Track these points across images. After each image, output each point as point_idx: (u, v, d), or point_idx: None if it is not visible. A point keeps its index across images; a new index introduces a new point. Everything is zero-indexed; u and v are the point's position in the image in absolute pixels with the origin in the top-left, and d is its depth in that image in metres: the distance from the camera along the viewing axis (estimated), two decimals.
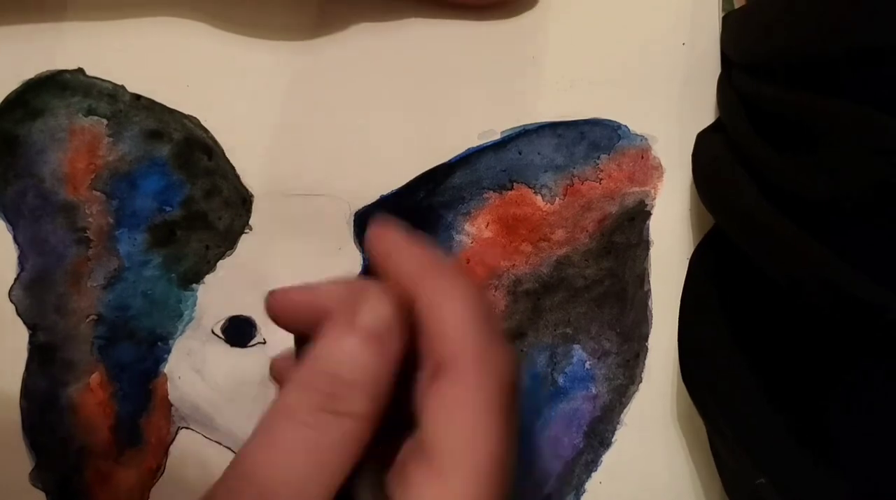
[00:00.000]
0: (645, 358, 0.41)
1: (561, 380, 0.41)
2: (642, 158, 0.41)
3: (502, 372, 0.26)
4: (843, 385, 0.31)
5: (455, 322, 0.26)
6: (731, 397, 0.35)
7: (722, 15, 0.42)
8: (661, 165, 0.41)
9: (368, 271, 0.41)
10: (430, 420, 0.26)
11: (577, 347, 0.41)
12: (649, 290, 0.41)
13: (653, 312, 0.41)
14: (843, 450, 0.31)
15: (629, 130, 0.41)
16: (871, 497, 0.30)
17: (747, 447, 0.34)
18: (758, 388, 0.34)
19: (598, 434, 0.41)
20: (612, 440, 0.41)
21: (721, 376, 0.36)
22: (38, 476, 0.40)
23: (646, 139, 0.41)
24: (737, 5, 0.42)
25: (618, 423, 0.41)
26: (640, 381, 0.41)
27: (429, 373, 0.27)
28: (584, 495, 0.41)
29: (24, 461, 0.40)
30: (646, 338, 0.41)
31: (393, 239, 0.29)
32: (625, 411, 0.41)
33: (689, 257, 0.40)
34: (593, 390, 0.41)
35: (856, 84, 0.30)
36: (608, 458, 0.41)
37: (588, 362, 0.41)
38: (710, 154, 0.39)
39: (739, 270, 0.36)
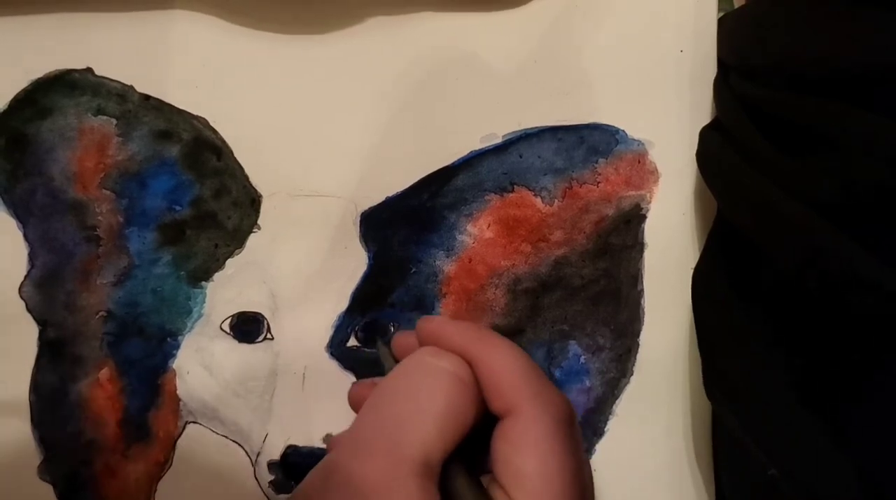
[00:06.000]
0: (636, 353, 0.43)
1: (557, 374, 0.43)
2: (639, 162, 0.43)
3: (557, 406, 0.30)
4: (861, 378, 0.33)
5: (506, 373, 0.30)
6: (745, 389, 0.37)
7: (719, 17, 0.43)
8: (656, 170, 0.43)
9: (372, 271, 0.42)
10: (499, 457, 0.29)
11: (573, 343, 0.43)
12: (642, 289, 0.43)
13: (645, 310, 0.43)
14: (858, 442, 0.32)
15: (627, 134, 0.43)
16: (883, 489, 0.32)
17: (759, 441, 0.36)
18: (772, 379, 0.36)
19: (592, 424, 0.43)
20: (605, 429, 0.43)
21: (736, 369, 0.38)
22: (47, 470, 0.41)
23: (643, 144, 0.43)
24: (736, 5, 0.44)
25: (610, 413, 0.43)
26: (632, 374, 0.43)
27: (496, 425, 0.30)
28: None
29: (32, 455, 0.41)
30: (638, 334, 0.43)
31: (439, 321, 0.33)
32: (617, 402, 0.43)
33: (683, 258, 0.42)
34: (587, 383, 0.43)
35: (861, 90, 0.31)
36: (601, 446, 0.43)
37: (583, 357, 0.43)
38: (715, 151, 0.40)
39: (746, 268, 0.37)
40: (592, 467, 0.42)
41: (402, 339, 0.35)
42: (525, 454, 0.28)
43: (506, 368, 0.30)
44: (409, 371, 0.31)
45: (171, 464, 0.42)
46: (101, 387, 0.41)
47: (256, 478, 0.42)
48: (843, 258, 0.31)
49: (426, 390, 0.30)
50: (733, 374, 0.38)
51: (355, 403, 0.37)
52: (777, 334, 0.36)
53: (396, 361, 0.34)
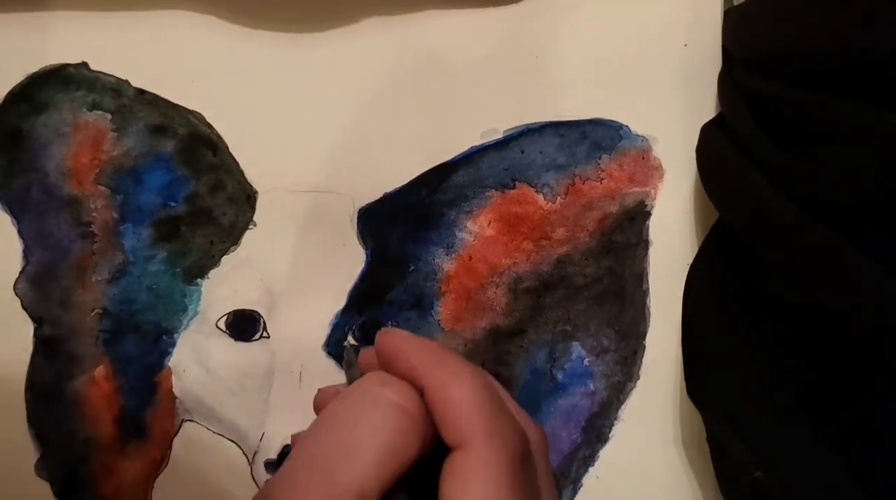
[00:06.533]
0: (642, 355, 0.42)
1: (560, 376, 0.42)
2: (643, 158, 0.42)
3: (511, 444, 0.28)
4: (854, 380, 0.32)
5: (461, 402, 0.28)
6: (733, 391, 0.36)
7: (724, 9, 0.42)
8: (661, 166, 0.42)
9: (370, 268, 0.41)
10: (445, 491, 0.28)
11: (576, 344, 0.42)
12: (648, 289, 0.42)
13: (651, 310, 0.42)
14: (850, 443, 0.32)
15: (630, 130, 0.42)
16: (877, 491, 0.31)
17: (746, 442, 0.34)
18: (760, 382, 0.35)
19: (596, 430, 0.42)
20: (610, 435, 0.42)
21: (723, 372, 0.37)
22: (44, 467, 0.41)
23: (647, 140, 0.42)
24: (737, 1, 0.42)
25: (615, 419, 0.42)
26: (638, 378, 0.42)
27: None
28: (581, 489, 0.42)
29: (29, 453, 0.41)
30: (643, 336, 0.42)
31: (399, 336, 0.31)
32: (622, 407, 0.42)
33: (688, 256, 0.41)
34: (591, 387, 0.42)
35: (871, 86, 0.30)
36: (605, 453, 0.42)
37: (587, 359, 0.42)
38: (715, 148, 0.39)
39: (741, 267, 0.36)
40: (595, 475, 0.42)
41: (366, 354, 0.33)
42: (470, 493, 0.27)
43: (461, 398, 0.28)
44: (353, 400, 0.29)
45: (167, 462, 0.42)
46: (96, 385, 0.41)
47: (253, 477, 0.42)
48: (838, 262, 0.29)
49: (367, 422, 0.28)
50: (723, 376, 0.37)
51: (318, 410, 0.35)
52: (770, 337, 0.35)
53: (361, 374, 0.32)
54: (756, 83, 0.37)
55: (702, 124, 0.41)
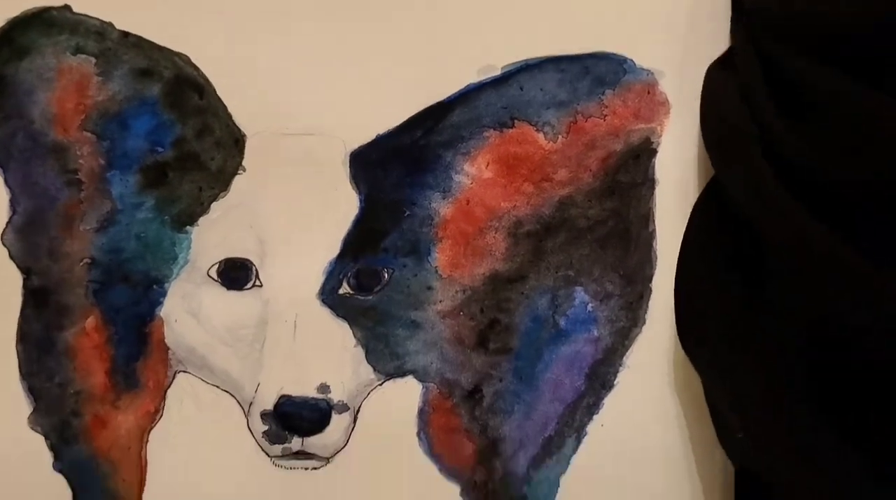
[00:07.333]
0: (649, 300, 0.40)
1: (562, 323, 0.40)
2: (648, 93, 0.40)
3: None
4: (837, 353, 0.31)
5: None
6: (722, 353, 0.35)
7: None
8: (667, 101, 0.40)
9: (364, 214, 0.40)
10: None
11: (579, 289, 0.40)
12: (654, 230, 0.40)
13: (657, 253, 0.40)
14: (832, 408, 0.31)
15: (635, 64, 0.40)
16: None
17: (731, 404, 0.34)
18: (749, 345, 0.34)
19: (600, 377, 0.41)
20: (615, 382, 0.41)
21: (715, 333, 0.36)
22: (37, 420, 0.41)
23: (652, 74, 0.40)
24: None
25: (620, 365, 0.41)
26: (644, 323, 0.41)
27: None
28: (586, 437, 0.41)
29: (22, 406, 0.40)
30: (650, 279, 0.40)
31: None
32: (627, 353, 0.41)
33: (696, 195, 0.39)
34: (595, 333, 0.41)
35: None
36: (610, 400, 0.41)
37: (590, 305, 0.40)
38: (718, 97, 0.38)
39: (735, 229, 0.35)
40: (600, 423, 0.40)
41: None
42: None
43: None
44: None
45: (161, 414, 0.41)
46: (87, 336, 0.40)
47: (250, 428, 0.41)
48: (832, 258, 0.29)
49: None
50: (714, 336, 0.36)
51: None
52: (762, 305, 0.34)
53: None
54: (779, 50, 0.35)
55: (712, 56, 0.39)
